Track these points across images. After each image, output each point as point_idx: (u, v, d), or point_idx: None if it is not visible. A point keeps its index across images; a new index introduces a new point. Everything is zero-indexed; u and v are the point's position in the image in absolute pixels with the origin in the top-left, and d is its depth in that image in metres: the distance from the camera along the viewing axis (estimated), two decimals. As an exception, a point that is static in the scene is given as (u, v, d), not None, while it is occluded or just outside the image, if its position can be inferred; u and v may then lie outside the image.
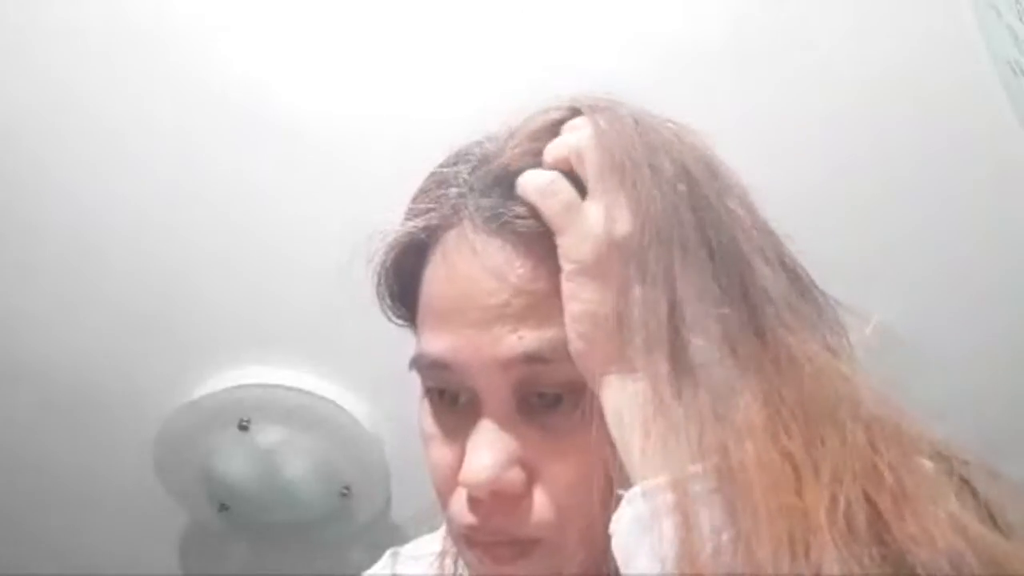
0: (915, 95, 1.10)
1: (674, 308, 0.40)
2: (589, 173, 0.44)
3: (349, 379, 1.31)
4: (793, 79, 1.11)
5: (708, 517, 0.36)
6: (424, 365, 0.48)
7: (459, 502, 0.47)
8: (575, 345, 0.42)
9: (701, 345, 0.40)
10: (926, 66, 1.09)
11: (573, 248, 0.42)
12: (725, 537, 0.35)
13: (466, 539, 0.47)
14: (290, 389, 1.29)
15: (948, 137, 1.11)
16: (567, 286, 0.42)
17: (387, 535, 1.37)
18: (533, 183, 0.45)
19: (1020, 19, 0.96)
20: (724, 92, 1.10)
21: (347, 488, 1.35)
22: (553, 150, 0.46)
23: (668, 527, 0.36)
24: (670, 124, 0.48)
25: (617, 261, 0.42)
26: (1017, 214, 1.14)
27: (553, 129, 0.47)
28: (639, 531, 0.37)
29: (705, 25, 1.10)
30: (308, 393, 1.29)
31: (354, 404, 1.31)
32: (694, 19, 1.10)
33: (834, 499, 0.36)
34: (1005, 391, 1.13)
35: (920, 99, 1.10)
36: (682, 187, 0.43)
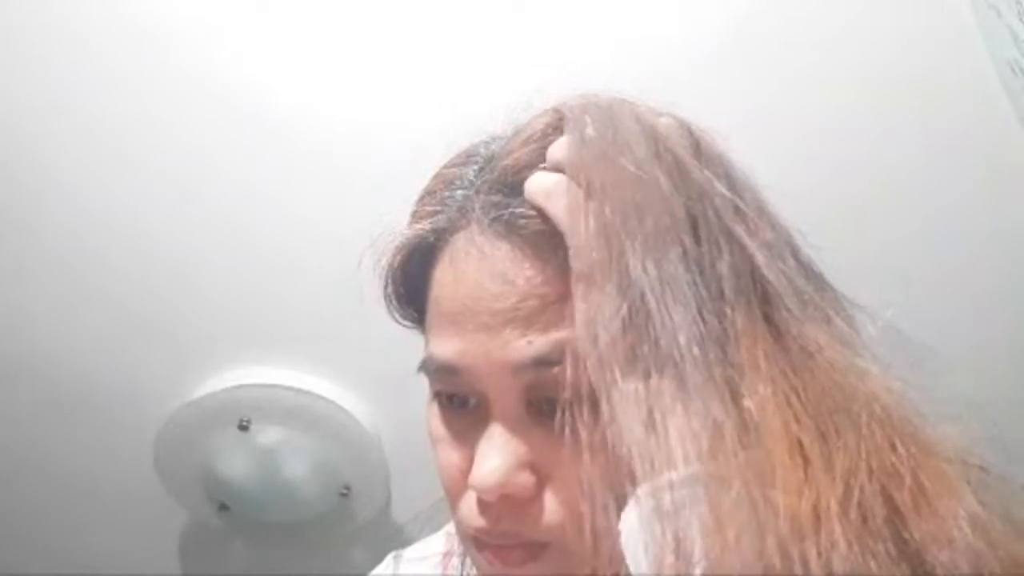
0: (915, 95, 1.10)
1: (663, 310, 0.39)
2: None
3: (349, 379, 1.31)
4: (793, 79, 1.11)
5: (714, 515, 0.35)
6: (433, 369, 0.48)
7: (468, 505, 0.46)
8: (582, 346, 0.41)
9: (701, 343, 0.39)
10: (926, 66, 1.09)
11: (580, 249, 0.41)
12: (731, 535, 0.34)
13: (475, 541, 0.47)
14: (290, 389, 1.29)
15: (948, 137, 1.11)
16: (575, 287, 0.42)
17: (387, 535, 1.38)
18: (539, 185, 0.44)
19: (1020, 19, 0.96)
20: (724, 92, 1.10)
21: (347, 488, 1.35)
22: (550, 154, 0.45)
23: (674, 526, 0.36)
24: (668, 121, 0.47)
25: (603, 272, 0.41)
26: (1017, 214, 1.14)
27: (557, 129, 0.47)
28: (645, 530, 0.37)
29: (705, 25, 1.10)
30: (308, 393, 1.29)
31: (354, 404, 1.31)
32: (694, 19, 1.10)
33: (848, 492, 0.35)
34: (1005, 392, 1.13)
35: (920, 99, 1.10)
36: (669, 189, 0.42)
